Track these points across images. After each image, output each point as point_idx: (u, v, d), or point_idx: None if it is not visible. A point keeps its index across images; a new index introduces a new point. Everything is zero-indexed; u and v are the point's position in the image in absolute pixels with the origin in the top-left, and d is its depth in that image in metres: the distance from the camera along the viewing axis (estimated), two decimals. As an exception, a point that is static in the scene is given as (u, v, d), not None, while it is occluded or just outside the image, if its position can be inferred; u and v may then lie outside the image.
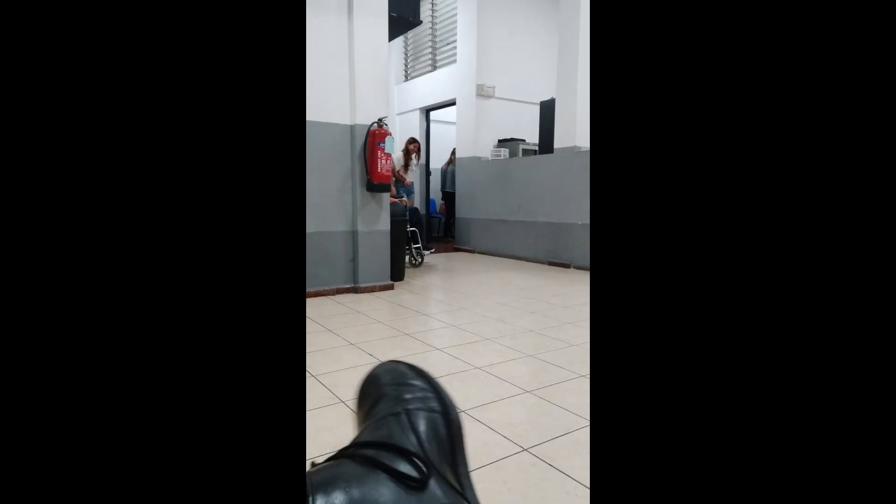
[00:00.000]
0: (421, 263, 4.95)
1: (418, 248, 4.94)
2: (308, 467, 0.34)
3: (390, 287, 3.71)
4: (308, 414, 1.58)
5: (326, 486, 0.31)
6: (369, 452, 0.34)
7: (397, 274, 3.94)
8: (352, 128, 3.50)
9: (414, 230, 4.84)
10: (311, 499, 0.30)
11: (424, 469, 0.33)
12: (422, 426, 0.39)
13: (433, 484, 0.33)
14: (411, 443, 0.36)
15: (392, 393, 0.42)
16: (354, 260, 3.60)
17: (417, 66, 7.81)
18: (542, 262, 5.05)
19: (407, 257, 4.59)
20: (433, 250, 5.78)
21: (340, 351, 2.22)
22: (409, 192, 5.44)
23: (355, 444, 0.36)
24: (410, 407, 0.40)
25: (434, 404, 0.41)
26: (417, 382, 0.43)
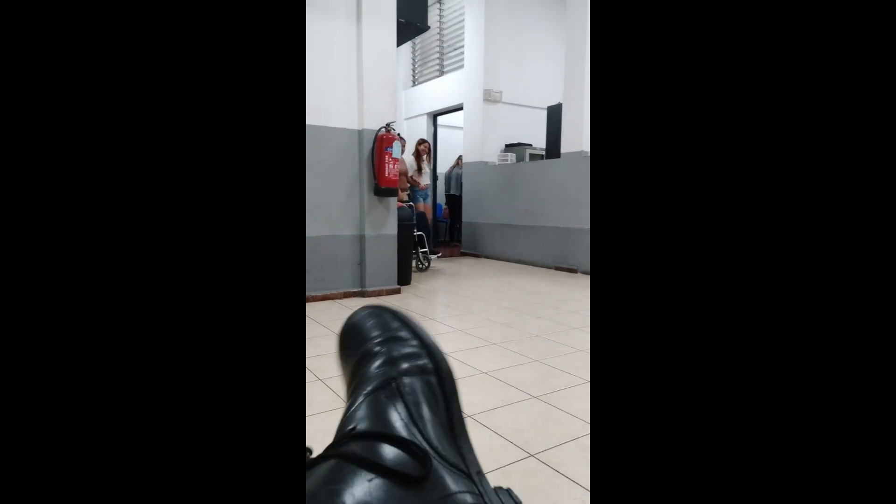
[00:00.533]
0: (427, 268, 4.96)
1: (425, 252, 4.95)
2: None
3: (397, 291, 3.72)
4: (316, 417, 1.59)
5: (328, 498, 0.29)
6: (366, 451, 0.32)
7: (404, 278, 3.95)
8: (360, 132, 3.52)
9: (421, 234, 4.85)
10: None
11: (424, 460, 0.32)
12: (418, 394, 0.37)
13: (436, 472, 0.32)
14: (409, 427, 0.35)
15: (381, 351, 0.40)
16: (362, 264, 3.61)
17: (425, 72, 7.84)
18: (549, 267, 5.04)
19: (413, 261, 4.60)
20: (440, 254, 5.78)
21: (347, 355, 2.23)
22: (425, 197, 5.44)
23: (351, 435, 0.34)
24: (403, 368, 0.38)
25: (425, 361, 0.40)
26: (404, 334, 0.42)
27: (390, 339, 0.41)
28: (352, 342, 0.43)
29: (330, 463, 0.32)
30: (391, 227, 3.71)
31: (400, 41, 4.14)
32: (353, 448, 0.33)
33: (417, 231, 4.67)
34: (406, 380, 0.38)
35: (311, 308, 3.19)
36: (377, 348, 0.41)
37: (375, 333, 0.42)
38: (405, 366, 0.39)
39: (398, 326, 0.43)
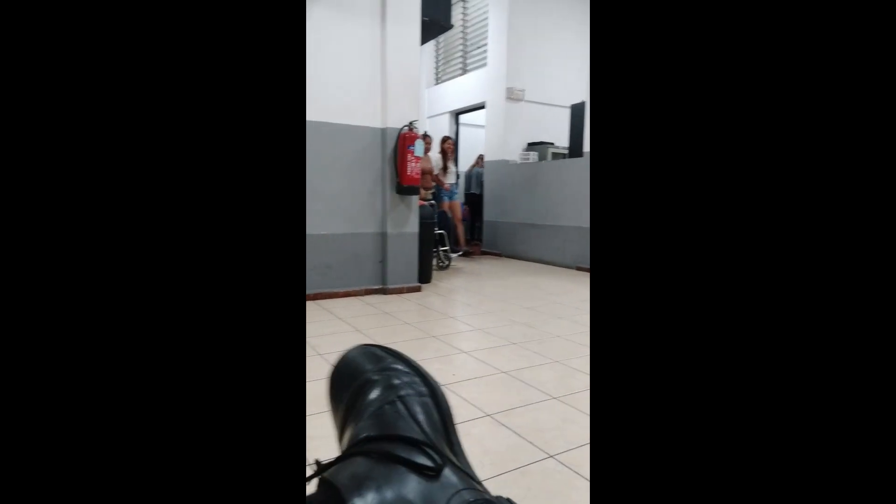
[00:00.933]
0: (448, 266, 4.97)
1: (446, 250, 4.96)
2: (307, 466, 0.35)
3: (417, 289, 3.74)
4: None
5: (358, 486, 0.31)
6: (384, 447, 0.35)
7: (425, 276, 3.97)
8: (383, 131, 3.55)
9: (442, 233, 4.86)
10: (346, 499, 0.30)
11: (438, 458, 0.34)
12: (419, 413, 0.39)
13: (446, 470, 0.33)
14: (417, 432, 0.37)
15: (379, 379, 0.42)
16: (383, 261, 3.64)
17: (448, 70, 7.85)
18: (570, 267, 5.00)
19: (434, 259, 4.62)
20: (461, 253, 5.79)
21: (369, 351, 2.26)
22: (451, 195, 5.44)
23: (366, 439, 0.36)
24: (402, 393, 0.40)
25: (422, 388, 0.42)
26: (399, 366, 0.43)
27: (386, 369, 0.43)
28: (345, 378, 0.45)
29: (356, 459, 0.34)
30: (413, 226, 3.73)
31: (424, 40, 4.15)
32: (372, 447, 0.35)
33: (438, 229, 4.68)
34: (407, 399, 0.40)
35: (333, 304, 3.24)
36: (375, 377, 0.43)
37: (370, 366, 0.44)
38: (406, 390, 0.41)
39: (392, 360, 0.44)
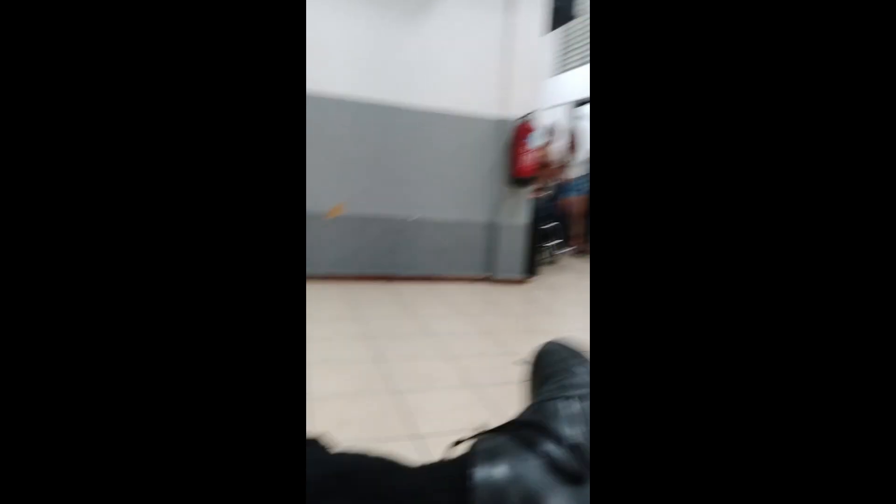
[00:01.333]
0: (555, 262, 4.87)
1: (555, 245, 4.86)
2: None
3: (523, 282, 3.73)
4: (442, 393, 1.69)
5: (490, 456, 0.34)
6: (529, 434, 0.36)
7: (531, 269, 3.94)
8: (502, 121, 3.57)
9: (552, 226, 4.77)
10: (474, 464, 0.33)
11: (580, 463, 0.34)
12: (577, 416, 0.39)
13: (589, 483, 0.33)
14: (572, 434, 0.37)
15: (557, 376, 0.45)
16: (492, 251, 3.69)
17: (568, 61, 7.61)
18: (691, 273, 4.63)
19: (542, 254, 4.56)
20: (572, 249, 5.64)
21: (473, 337, 2.32)
22: (577, 189, 5.32)
23: (518, 422, 0.39)
24: (571, 394, 0.42)
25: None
26: (581, 369, 0.45)
27: (566, 370, 0.46)
28: (536, 367, 0.49)
29: (502, 435, 0.37)
30: (523, 217, 3.72)
31: (549, 29, 4.07)
32: (519, 430, 0.37)
33: (550, 223, 4.60)
34: (571, 400, 0.42)
35: (442, 288, 3.36)
36: (554, 373, 0.46)
37: (555, 360, 0.48)
38: (575, 392, 0.43)
39: (577, 361, 0.47)
